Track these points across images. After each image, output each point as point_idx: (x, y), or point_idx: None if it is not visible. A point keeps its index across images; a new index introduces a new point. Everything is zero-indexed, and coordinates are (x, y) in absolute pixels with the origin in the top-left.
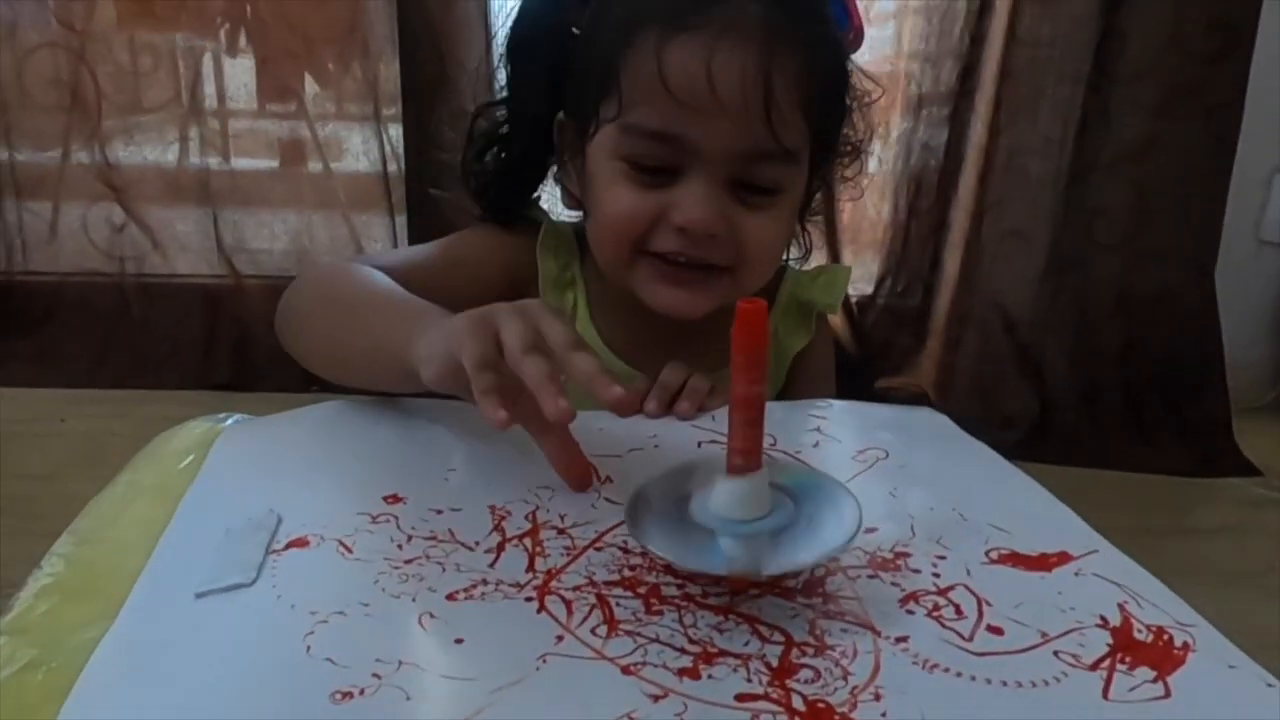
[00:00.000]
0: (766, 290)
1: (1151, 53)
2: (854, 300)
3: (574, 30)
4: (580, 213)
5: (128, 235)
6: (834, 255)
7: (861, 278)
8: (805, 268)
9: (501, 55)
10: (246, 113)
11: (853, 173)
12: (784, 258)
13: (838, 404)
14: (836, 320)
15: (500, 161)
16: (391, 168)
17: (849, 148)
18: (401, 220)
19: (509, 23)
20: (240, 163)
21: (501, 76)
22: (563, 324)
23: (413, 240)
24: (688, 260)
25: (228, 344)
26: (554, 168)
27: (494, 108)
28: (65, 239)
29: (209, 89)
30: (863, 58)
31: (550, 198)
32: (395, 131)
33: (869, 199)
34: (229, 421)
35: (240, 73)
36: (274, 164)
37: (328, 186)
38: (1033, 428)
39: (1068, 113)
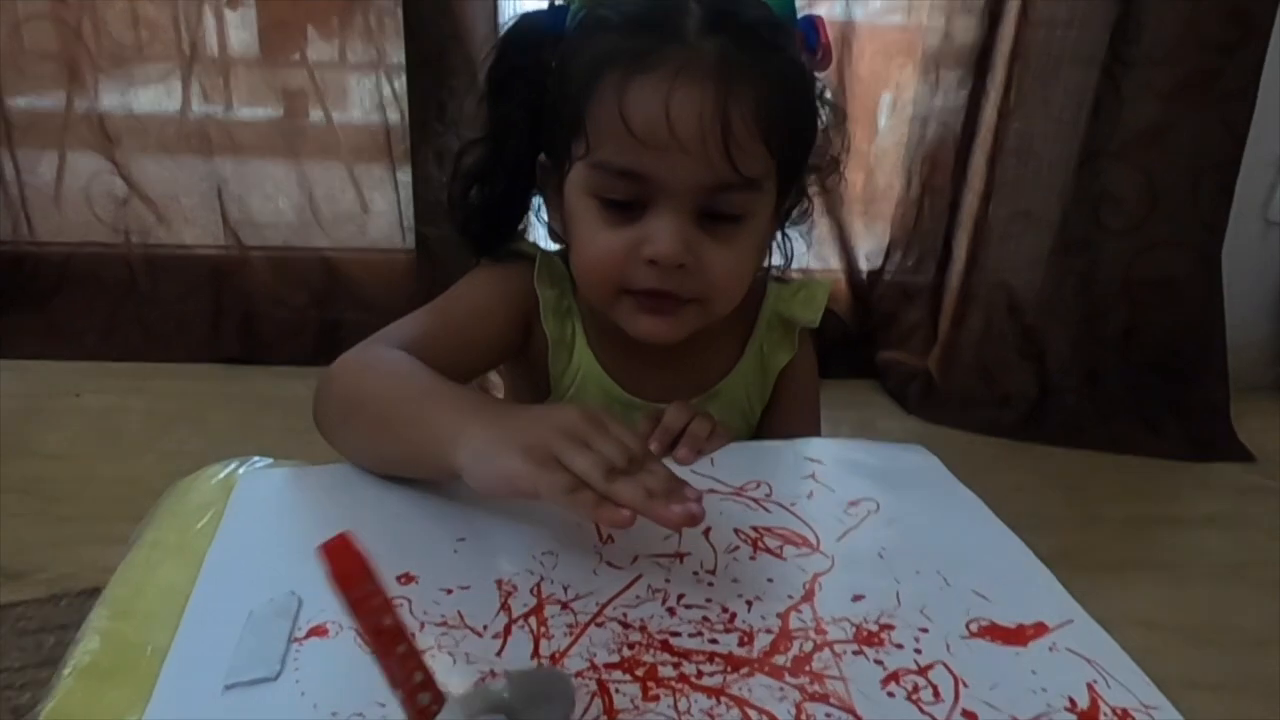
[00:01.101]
0: (749, 306)
1: (1167, 40)
2: (863, 273)
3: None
4: (564, 245)
5: (132, 207)
6: (839, 227)
7: (873, 250)
8: (788, 277)
9: (482, 94)
10: (248, 62)
11: (832, 184)
12: (767, 265)
13: (831, 446)
14: (841, 292)
15: (484, 198)
16: (394, 118)
17: (829, 160)
18: (404, 175)
19: (486, 64)
20: (242, 113)
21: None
22: (615, 442)
23: (418, 195)
24: (661, 293)
25: (235, 317)
26: (537, 204)
27: (478, 145)
28: (69, 207)
29: (210, 39)
30: (877, 21)
31: (534, 233)
32: (399, 83)
33: (879, 172)
34: (241, 470)
35: (242, 23)
36: (277, 114)
37: (330, 138)
38: (1032, 408)
39: (1081, 96)
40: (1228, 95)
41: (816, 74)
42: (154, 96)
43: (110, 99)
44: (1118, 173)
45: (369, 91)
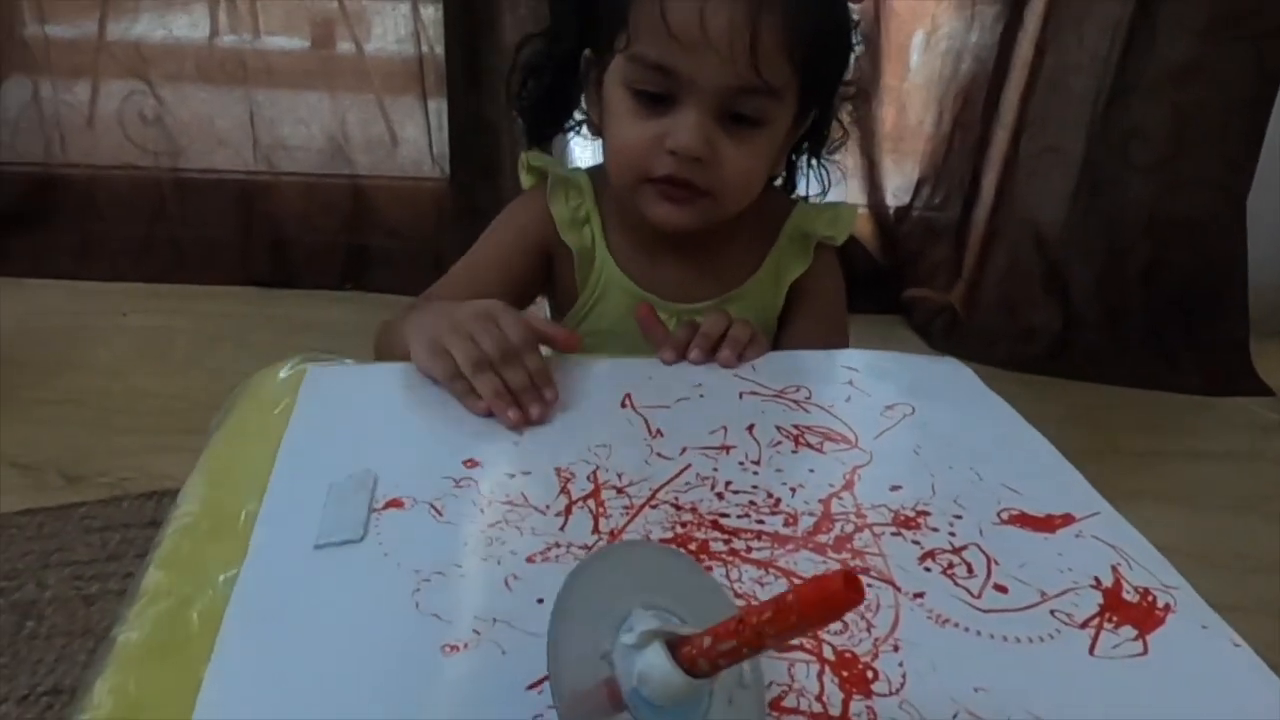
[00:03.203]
0: (774, 222)
1: None
2: (891, 209)
3: None
4: (599, 139)
5: (163, 130)
6: (869, 164)
7: (901, 187)
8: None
9: None
10: None
11: (862, 115)
12: (802, 194)
13: (867, 355)
14: (866, 231)
15: (537, 90)
16: (424, 49)
17: (858, 91)
18: (434, 104)
19: None
20: (271, 42)
21: None
22: (494, 336)
23: (453, 127)
24: (678, 181)
25: (265, 241)
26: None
27: (535, 40)
28: (102, 129)
29: None
30: None
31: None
32: (428, 11)
33: (910, 108)
34: (307, 368)
35: None
36: (305, 44)
37: (360, 68)
38: (1054, 343)
39: (1115, 30)
40: (1264, 33)
41: (852, 3)
42: (182, 26)
43: (143, 26)
44: (1147, 109)
45: (401, 20)
